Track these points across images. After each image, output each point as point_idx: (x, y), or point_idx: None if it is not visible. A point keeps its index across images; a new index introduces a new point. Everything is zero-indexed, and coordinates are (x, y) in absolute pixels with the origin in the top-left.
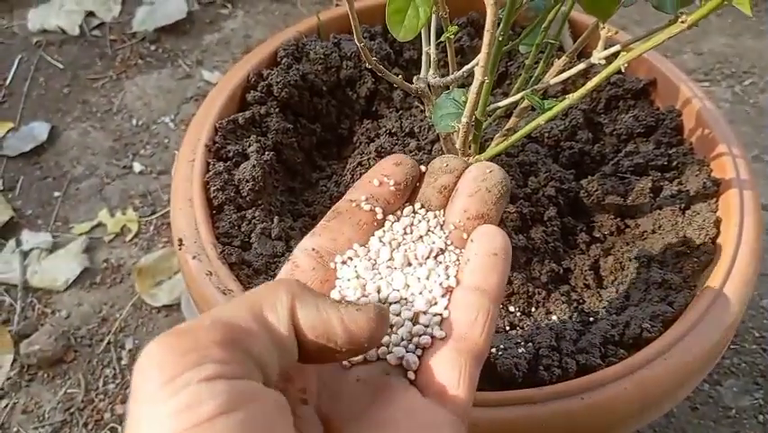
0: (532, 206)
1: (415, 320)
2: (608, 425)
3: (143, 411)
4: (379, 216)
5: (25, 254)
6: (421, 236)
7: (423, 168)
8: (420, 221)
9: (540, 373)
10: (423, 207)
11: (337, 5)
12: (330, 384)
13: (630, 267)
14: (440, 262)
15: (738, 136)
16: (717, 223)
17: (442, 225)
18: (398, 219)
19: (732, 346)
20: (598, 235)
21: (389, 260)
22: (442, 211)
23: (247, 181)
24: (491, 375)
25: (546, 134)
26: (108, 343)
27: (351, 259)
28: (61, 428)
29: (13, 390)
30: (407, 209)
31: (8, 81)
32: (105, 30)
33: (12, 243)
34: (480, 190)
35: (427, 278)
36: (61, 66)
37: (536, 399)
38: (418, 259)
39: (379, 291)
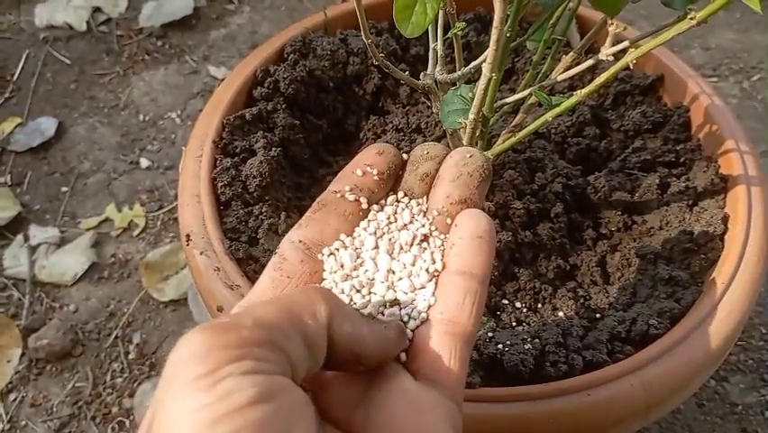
0: (539, 202)
1: (403, 306)
2: (615, 421)
3: (179, 399)
4: (364, 206)
5: (33, 249)
6: (405, 224)
7: (405, 156)
8: (403, 209)
9: (546, 370)
10: (406, 195)
11: (343, 1)
12: (325, 372)
13: (637, 263)
14: (425, 248)
15: (746, 132)
16: (725, 219)
17: (425, 212)
18: (382, 209)
19: (739, 343)
20: (604, 232)
21: (375, 249)
22: (425, 198)
23: (254, 177)
24: (498, 371)
25: (553, 130)
26: (116, 337)
27: (338, 250)
28: (69, 421)
29: (22, 383)
30: (391, 198)
31: (16, 77)
32: (112, 25)
33: (20, 237)
34: (461, 175)
35: (413, 264)
36: (68, 61)
37: (543, 395)
38: (403, 246)
39: (366, 280)
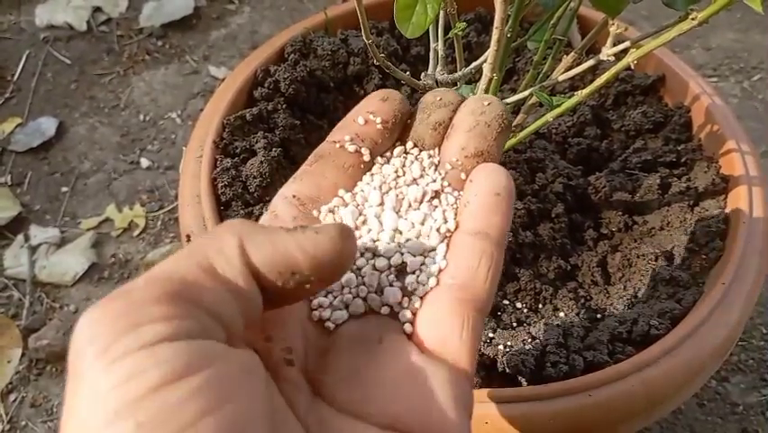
0: (539, 202)
1: (410, 269)
2: (616, 422)
3: (79, 392)
4: (366, 158)
5: (33, 249)
6: (414, 179)
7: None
8: (413, 162)
9: (547, 370)
10: (415, 146)
11: (344, 1)
12: (317, 343)
13: (638, 264)
14: (436, 206)
15: (747, 132)
16: (726, 219)
17: (437, 166)
18: (388, 161)
19: (739, 343)
20: (605, 232)
21: (380, 205)
22: (436, 150)
23: (255, 177)
24: (498, 372)
25: (554, 131)
26: None
27: (337, 208)
28: None
29: (22, 384)
30: (398, 149)
31: (16, 77)
32: (113, 25)
33: (20, 238)
34: (478, 125)
35: (422, 223)
36: (69, 61)
37: (543, 395)
38: (412, 203)
39: (369, 241)
